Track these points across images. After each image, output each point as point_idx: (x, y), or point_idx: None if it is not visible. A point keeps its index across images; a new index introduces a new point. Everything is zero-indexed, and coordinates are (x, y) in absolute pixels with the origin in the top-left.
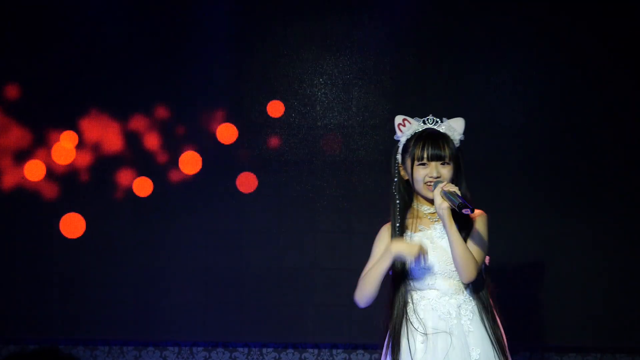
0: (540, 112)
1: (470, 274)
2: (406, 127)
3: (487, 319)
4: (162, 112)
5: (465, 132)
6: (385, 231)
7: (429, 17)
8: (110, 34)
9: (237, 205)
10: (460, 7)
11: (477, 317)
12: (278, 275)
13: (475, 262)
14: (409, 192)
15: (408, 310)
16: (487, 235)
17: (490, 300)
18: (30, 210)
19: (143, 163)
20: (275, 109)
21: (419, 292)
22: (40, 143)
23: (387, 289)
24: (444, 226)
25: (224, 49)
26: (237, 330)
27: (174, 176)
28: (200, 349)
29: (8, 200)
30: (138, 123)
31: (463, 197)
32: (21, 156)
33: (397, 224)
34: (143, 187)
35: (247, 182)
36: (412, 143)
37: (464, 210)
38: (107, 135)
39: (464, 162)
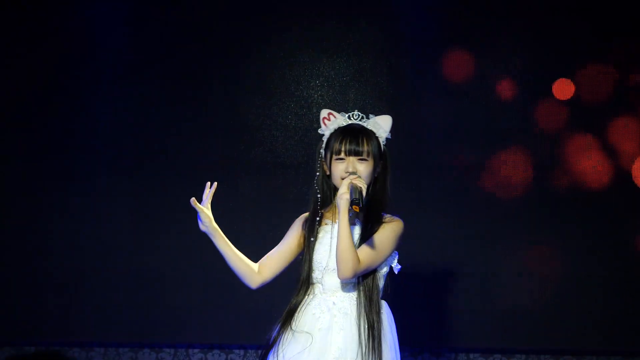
0: (538, 116)
1: (346, 271)
2: (331, 122)
3: (365, 321)
4: (159, 115)
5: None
6: (298, 222)
7: (425, 20)
8: (108, 41)
9: (233, 207)
10: (458, 11)
11: (352, 317)
12: (274, 278)
13: (355, 262)
14: (330, 187)
15: (301, 301)
16: (391, 243)
17: (383, 306)
18: (26, 214)
19: (142, 166)
20: None
21: (311, 285)
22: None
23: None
24: (338, 215)
25: (221, 52)
26: (233, 332)
27: (171, 178)
28: (196, 350)
29: (3, 205)
30: (135, 127)
31: (376, 198)
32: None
33: (318, 217)
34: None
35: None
36: (333, 137)
37: (352, 206)
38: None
39: (391, 161)
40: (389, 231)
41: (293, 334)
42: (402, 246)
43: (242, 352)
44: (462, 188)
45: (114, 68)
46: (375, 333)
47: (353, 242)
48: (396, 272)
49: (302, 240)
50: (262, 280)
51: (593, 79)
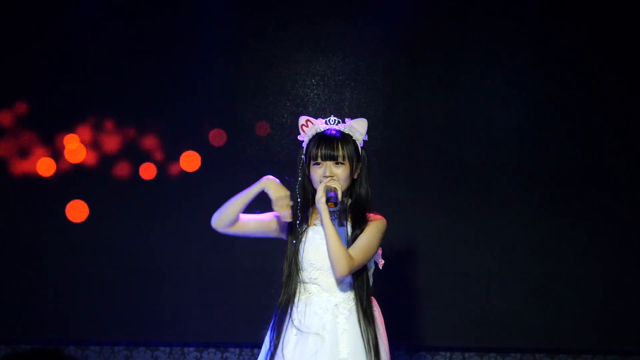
0: (534, 115)
1: (342, 268)
2: (309, 128)
3: (364, 319)
4: (155, 112)
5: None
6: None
7: (423, 20)
8: (105, 39)
9: None
10: (454, 10)
11: (353, 317)
12: (269, 276)
13: (349, 259)
14: (312, 190)
15: (292, 301)
16: (378, 240)
17: (373, 302)
18: (22, 213)
19: (136, 165)
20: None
21: (303, 284)
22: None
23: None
24: (321, 218)
25: (217, 50)
26: (228, 331)
27: (165, 178)
28: (191, 349)
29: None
30: (132, 124)
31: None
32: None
33: (297, 221)
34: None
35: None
36: (311, 143)
37: (328, 204)
38: (99, 142)
39: (368, 162)
40: (375, 229)
41: (301, 334)
42: (400, 244)
43: (237, 350)
44: (459, 187)
45: (110, 65)
46: (372, 330)
47: (340, 240)
48: (380, 268)
49: (282, 234)
50: (231, 229)
51: (590, 79)
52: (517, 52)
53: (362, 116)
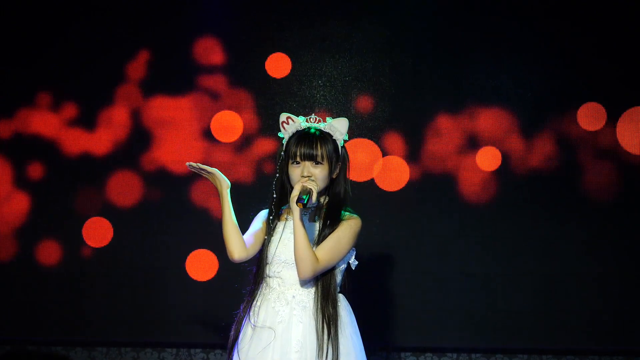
0: (537, 115)
1: (305, 271)
2: (289, 125)
3: (321, 315)
4: (157, 110)
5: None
6: (264, 213)
7: (428, 21)
8: (104, 43)
9: (235, 209)
10: (459, 10)
11: (311, 311)
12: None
13: (314, 262)
14: (290, 188)
15: (255, 295)
16: (349, 240)
17: (341, 301)
18: (28, 212)
19: (132, 163)
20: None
21: (267, 278)
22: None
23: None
24: (293, 216)
25: (222, 51)
26: None
27: (167, 178)
28: (198, 350)
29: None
30: (126, 121)
31: (348, 200)
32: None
33: (271, 217)
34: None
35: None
36: (291, 141)
37: (297, 204)
38: (97, 130)
39: (348, 161)
40: (347, 229)
41: (254, 329)
42: (403, 245)
43: None
44: (463, 188)
45: (114, 70)
46: (332, 325)
47: (309, 242)
48: (353, 268)
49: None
50: (247, 255)
51: (594, 79)
52: (523, 53)
53: (368, 117)
